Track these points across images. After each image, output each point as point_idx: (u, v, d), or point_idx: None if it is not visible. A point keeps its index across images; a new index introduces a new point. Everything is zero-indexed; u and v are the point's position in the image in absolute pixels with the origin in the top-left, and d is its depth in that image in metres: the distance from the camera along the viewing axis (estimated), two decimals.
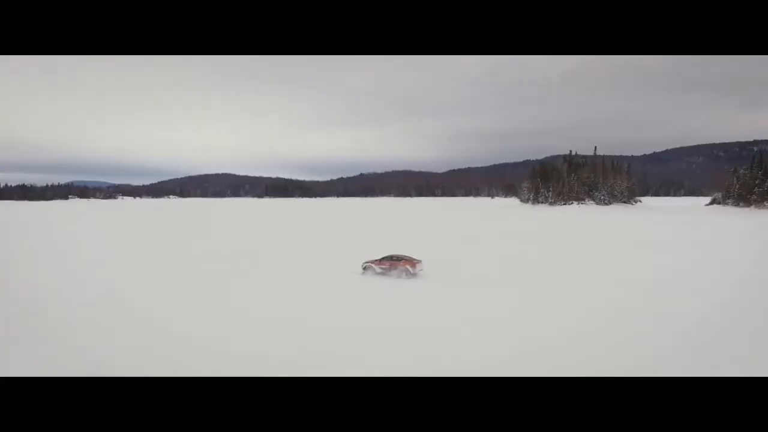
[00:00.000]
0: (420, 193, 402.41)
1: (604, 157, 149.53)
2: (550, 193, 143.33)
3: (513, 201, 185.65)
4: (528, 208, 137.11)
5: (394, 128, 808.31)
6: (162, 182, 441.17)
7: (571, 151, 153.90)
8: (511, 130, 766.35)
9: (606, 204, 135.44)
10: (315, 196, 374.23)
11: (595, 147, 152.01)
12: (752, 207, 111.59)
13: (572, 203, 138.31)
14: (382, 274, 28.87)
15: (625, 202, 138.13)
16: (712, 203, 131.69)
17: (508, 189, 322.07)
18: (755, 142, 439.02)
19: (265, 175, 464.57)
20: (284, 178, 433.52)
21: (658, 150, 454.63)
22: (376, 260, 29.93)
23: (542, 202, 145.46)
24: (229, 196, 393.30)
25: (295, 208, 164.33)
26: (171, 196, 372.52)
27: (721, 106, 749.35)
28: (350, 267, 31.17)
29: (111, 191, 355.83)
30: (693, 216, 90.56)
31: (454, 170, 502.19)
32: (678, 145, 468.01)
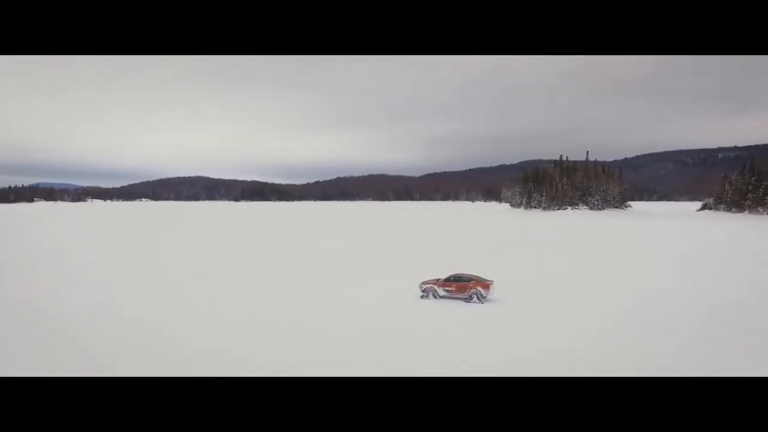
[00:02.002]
0: (398, 197, 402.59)
1: (595, 162, 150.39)
2: (543, 197, 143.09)
3: (502, 206, 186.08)
4: (522, 213, 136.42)
5: (371, 132, 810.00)
6: (133, 185, 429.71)
7: (561, 155, 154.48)
8: (486, 135, 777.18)
9: (600, 209, 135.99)
10: (292, 200, 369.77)
11: (587, 152, 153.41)
12: (746, 212, 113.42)
13: (566, 208, 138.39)
14: (447, 297, 24.46)
15: (617, 207, 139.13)
16: (703, 209, 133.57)
17: (488, 193, 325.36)
18: (720, 149, 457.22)
19: (241, 178, 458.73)
20: (260, 181, 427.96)
21: (629, 156, 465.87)
22: (437, 281, 25.38)
23: (535, 207, 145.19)
24: (203, 199, 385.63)
25: (283, 212, 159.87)
26: (143, 199, 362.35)
27: (688, 115, 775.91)
28: (402, 288, 26.88)
29: (79, 194, 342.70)
30: (707, 221, 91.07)
31: (430, 174, 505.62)
32: (648, 152, 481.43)
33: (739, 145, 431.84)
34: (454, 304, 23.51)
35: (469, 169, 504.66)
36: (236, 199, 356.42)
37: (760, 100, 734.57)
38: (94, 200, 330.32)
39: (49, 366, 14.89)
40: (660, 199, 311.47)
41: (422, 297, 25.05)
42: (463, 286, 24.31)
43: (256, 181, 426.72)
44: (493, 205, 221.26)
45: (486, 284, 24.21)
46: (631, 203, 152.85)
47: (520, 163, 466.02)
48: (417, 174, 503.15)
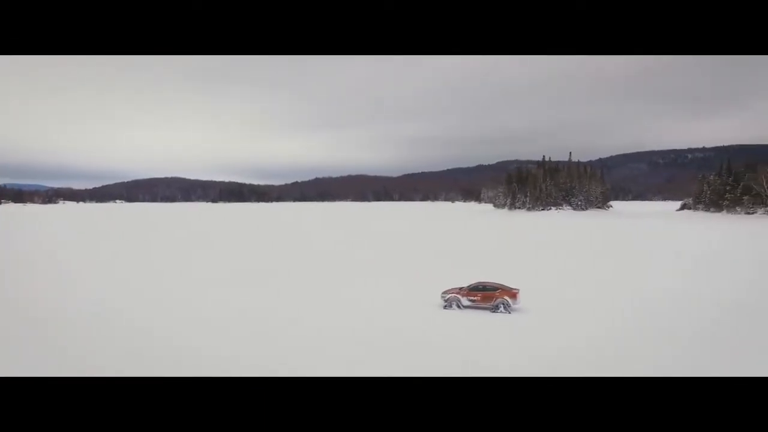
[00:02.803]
0: (378, 197, 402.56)
1: (578, 162, 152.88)
2: (527, 198, 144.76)
3: (485, 206, 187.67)
4: (507, 213, 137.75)
5: (350, 132, 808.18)
6: (107, 186, 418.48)
7: (544, 156, 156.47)
8: (463, 136, 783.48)
9: (583, 209, 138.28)
10: (270, 201, 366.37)
11: (570, 153, 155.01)
12: (724, 212, 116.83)
13: (550, 209, 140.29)
14: (471, 307, 23.54)
15: (599, 207, 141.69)
16: (682, 208, 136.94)
17: (467, 194, 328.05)
18: (689, 150, 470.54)
19: (218, 179, 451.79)
20: (238, 182, 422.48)
21: (603, 156, 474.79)
22: (460, 290, 24.34)
23: (519, 208, 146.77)
24: (180, 200, 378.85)
25: (268, 213, 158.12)
26: (117, 201, 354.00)
27: (659, 116, 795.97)
28: (419, 297, 25.98)
29: (50, 195, 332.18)
30: (693, 221, 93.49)
31: (408, 174, 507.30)
32: (621, 152, 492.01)
33: (707, 146, 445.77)
34: (484, 315, 22.59)
35: (447, 170, 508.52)
36: (214, 201, 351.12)
37: (725, 102, 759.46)
38: (66, 202, 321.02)
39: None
40: (634, 198, 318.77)
41: (445, 307, 23.95)
42: (489, 296, 23.44)
43: (233, 182, 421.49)
44: (474, 206, 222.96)
45: (513, 293, 23.43)
46: (612, 203, 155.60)
47: (498, 163, 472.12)
48: (395, 174, 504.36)
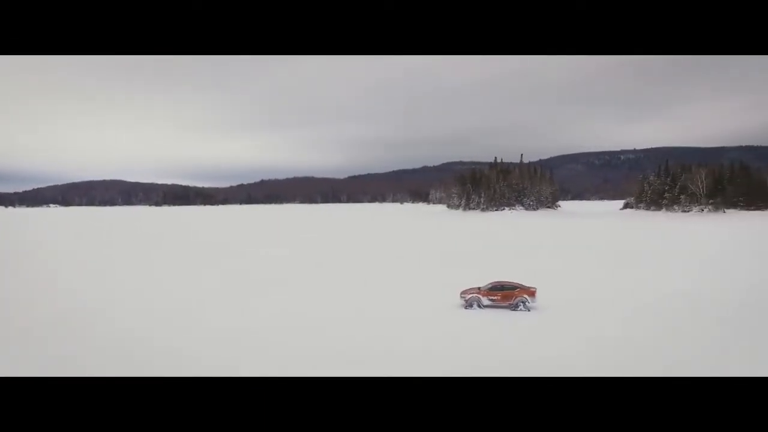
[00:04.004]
0: (326, 199, 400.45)
1: (529, 164, 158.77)
2: (482, 199, 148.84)
3: (438, 207, 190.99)
4: (462, 214, 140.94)
5: (294, 133, 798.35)
6: (39, 189, 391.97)
7: (496, 158, 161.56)
8: (408, 137, 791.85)
9: (534, 209, 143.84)
10: (217, 204, 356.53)
11: (521, 155, 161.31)
12: (663, 210, 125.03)
13: (504, 209, 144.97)
14: (491, 306, 24.28)
15: (549, 207, 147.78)
16: (625, 207, 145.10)
17: (415, 195, 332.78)
18: (622, 152, 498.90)
19: (160, 181, 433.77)
20: (181, 185, 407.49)
21: (543, 158, 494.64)
22: (480, 289, 25.08)
23: (474, 208, 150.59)
24: (120, 204, 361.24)
25: (240, 218, 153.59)
26: (51, 205, 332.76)
27: (593, 119, 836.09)
28: (436, 298, 26.47)
29: None
30: (643, 219, 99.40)
31: (354, 176, 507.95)
32: (560, 153, 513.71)
33: (638, 147, 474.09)
34: (501, 314, 23.40)
35: (393, 171, 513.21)
36: (158, 204, 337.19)
37: (653, 107, 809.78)
38: None
39: None
40: (573, 198, 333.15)
41: (466, 307, 24.55)
42: (508, 295, 24.27)
43: (177, 185, 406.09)
44: (427, 207, 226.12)
45: (531, 291, 24.38)
46: (560, 203, 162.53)
47: (443, 164, 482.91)
48: (342, 176, 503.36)
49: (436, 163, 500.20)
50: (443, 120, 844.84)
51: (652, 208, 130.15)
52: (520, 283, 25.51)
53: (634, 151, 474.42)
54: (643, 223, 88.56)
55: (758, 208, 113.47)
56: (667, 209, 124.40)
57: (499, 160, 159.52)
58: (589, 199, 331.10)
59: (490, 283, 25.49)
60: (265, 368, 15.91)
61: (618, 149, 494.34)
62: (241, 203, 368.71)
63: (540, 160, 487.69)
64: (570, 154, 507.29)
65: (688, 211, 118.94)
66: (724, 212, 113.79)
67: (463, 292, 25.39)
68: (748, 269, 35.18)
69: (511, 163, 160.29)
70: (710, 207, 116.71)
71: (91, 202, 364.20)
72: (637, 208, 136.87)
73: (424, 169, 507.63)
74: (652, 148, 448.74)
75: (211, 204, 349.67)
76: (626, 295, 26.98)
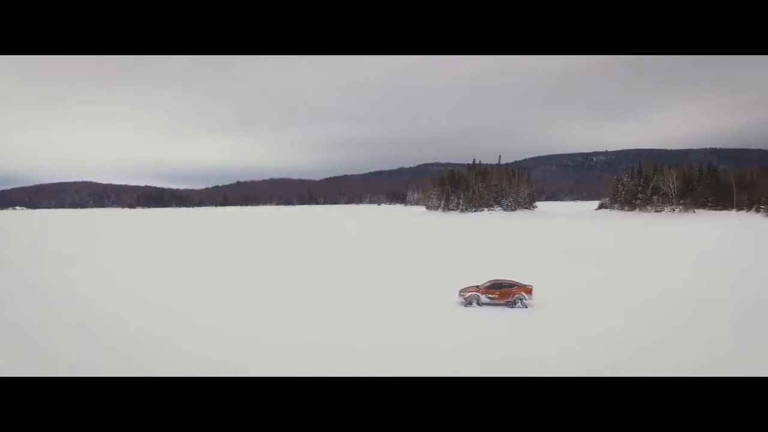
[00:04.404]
0: (303, 200, 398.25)
1: (517, 164, 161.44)
2: (461, 200, 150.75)
3: (416, 208, 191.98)
4: (443, 215, 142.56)
5: (270, 134, 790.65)
6: (4, 191, 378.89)
7: (474, 159, 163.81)
8: (384, 138, 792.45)
9: (513, 210, 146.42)
10: (192, 206, 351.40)
11: (500, 156, 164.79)
12: (636, 210, 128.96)
13: (483, 210, 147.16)
14: (489, 304, 25.15)
15: (527, 208, 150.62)
16: (600, 208, 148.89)
17: (392, 196, 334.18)
18: (594, 153, 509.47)
19: (133, 183, 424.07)
20: (154, 186, 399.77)
21: (518, 159, 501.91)
22: (478, 287, 25.89)
23: (453, 210, 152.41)
24: (91, 206, 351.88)
25: (221, 222, 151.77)
26: (18, 207, 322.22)
27: (567, 121, 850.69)
28: (432, 297, 27.29)
29: None
30: (622, 219, 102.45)
31: (331, 178, 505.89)
32: (534, 155, 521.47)
33: (609, 150, 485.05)
34: (503, 311, 24.34)
35: (369, 173, 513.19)
36: (131, 206, 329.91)
37: (624, 110, 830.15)
38: None
39: None
40: (548, 199, 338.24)
41: (465, 305, 25.27)
42: (506, 292, 25.14)
43: (151, 187, 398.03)
44: (404, 208, 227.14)
45: (528, 289, 25.38)
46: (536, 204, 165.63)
47: (418, 166, 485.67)
48: (318, 178, 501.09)
49: (413, 165, 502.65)
50: (419, 121, 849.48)
51: (626, 208, 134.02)
52: (516, 281, 26.45)
53: (606, 153, 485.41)
54: (620, 222, 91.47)
55: (725, 207, 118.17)
56: (640, 209, 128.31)
57: (477, 162, 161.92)
58: (562, 199, 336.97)
59: (488, 282, 26.28)
60: (265, 370, 15.97)
61: (590, 151, 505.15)
62: (217, 205, 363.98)
63: (515, 161, 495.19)
64: (544, 155, 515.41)
65: (661, 211, 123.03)
66: (694, 212, 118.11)
67: (462, 291, 26.14)
68: (747, 268, 37.07)
69: (488, 164, 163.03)
70: (681, 207, 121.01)
71: (60, 205, 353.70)
72: (612, 208, 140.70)
73: (401, 171, 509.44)
74: (623, 150, 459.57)
75: (187, 206, 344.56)
76: (622, 294, 28.31)
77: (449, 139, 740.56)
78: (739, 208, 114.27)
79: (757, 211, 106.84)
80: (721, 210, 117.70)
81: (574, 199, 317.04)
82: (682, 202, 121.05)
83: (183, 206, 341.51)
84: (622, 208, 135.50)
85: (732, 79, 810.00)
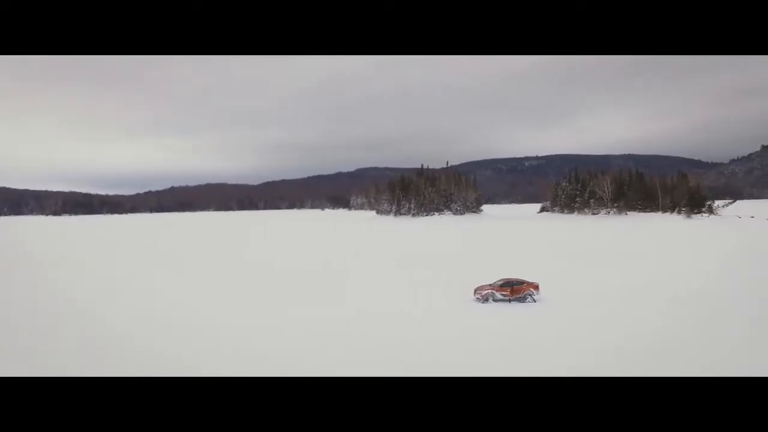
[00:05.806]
0: (242, 206, 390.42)
1: (454, 168, 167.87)
2: (412, 205, 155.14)
3: (366, 213, 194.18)
4: (395, 219, 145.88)
5: (204, 138, 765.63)
6: None
7: (422, 164, 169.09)
8: (321, 143, 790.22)
9: (461, 214, 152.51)
10: (125, 212, 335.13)
11: (447, 161, 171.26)
12: (575, 213, 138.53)
13: (433, 214, 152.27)
14: (501, 300, 28.41)
15: (474, 212, 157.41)
16: (542, 211, 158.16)
17: (334, 201, 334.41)
18: (526, 158, 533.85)
19: (55, 188, 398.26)
20: (81, 192, 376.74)
21: (454, 163, 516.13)
22: (493, 286, 29.14)
23: (404, 214, 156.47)
24: (6, 214, 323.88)
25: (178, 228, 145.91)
26: None
27: (499, 126, 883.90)
28: (449, 297, 29.82)
29: None
30: (569, 222, 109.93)
31: (268, 182, 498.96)
32: (470, 159, 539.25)
33: (540, 155, 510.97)
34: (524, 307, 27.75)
35: (308, 177, 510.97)
36: (56, 213, 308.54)
37: (555, 117, 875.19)
38: None
39: None
40: (486, 202, 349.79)
41: (483, 302, 28.56)
42: (517, 289, 28.71)
43: (76, 192, 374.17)
44: (351, 213, 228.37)
45: (536, 285, 29.19)
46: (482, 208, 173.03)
47: (357, 170, 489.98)
48: (256, 182, 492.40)
49: (351, 169, 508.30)
50: (356, 126, 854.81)
51: (565, 211, 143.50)
52: (524, 279, 30.10)
53: (537, 158, 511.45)
54: (567, 225, 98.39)
55: (652, 210, 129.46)
56: (579, 212, 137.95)
57: (425, 166, 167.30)
58: (500, 203, 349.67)
59: (500, 280, 29.76)
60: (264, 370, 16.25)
61: (522, 156, 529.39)
62: (151, 211, 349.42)
63: (451, 165, 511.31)
64: (479, 160, 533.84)
65: (597, 214, 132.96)
66: (627, 214, 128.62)
67: (478, 289, 29.48)
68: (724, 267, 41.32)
69: (433, 168, 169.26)
70: (615, 210, 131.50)
71: None
72: (553, 211, 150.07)
73: (339, 175, 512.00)
74: (551, 155, 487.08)
75: (119, 213, 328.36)
76: (592, 287, 32.21)
77: (386, 143, 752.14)
78: (664, 210, 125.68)
79: (679, 212, 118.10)
80: (648, 212, 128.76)
81: (510, 202, 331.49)
82: (616, 205, 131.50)
83: (115, 213, 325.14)
84: (562, 211, 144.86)
85: (648, 89, 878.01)
